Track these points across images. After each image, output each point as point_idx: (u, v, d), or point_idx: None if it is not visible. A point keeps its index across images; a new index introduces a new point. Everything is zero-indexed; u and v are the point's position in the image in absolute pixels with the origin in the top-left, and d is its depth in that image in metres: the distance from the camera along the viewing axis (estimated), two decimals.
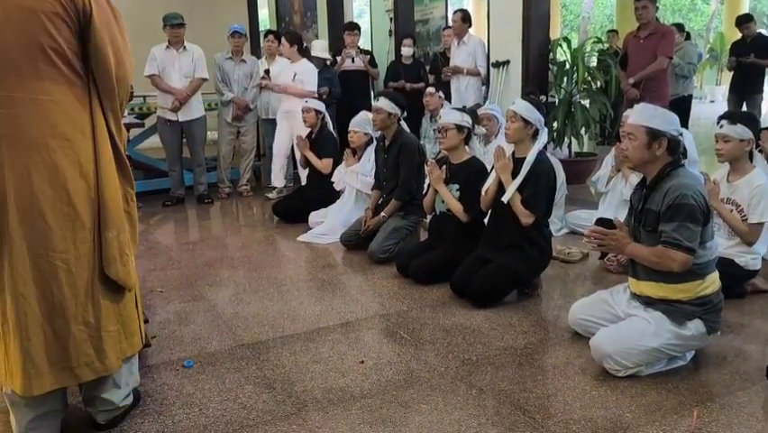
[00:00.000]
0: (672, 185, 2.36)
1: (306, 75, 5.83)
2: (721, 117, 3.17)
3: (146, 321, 2.72)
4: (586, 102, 6.26)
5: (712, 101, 16.93)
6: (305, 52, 5.98)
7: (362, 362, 2.60)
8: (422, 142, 5.78)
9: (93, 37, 1.88)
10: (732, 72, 7.33)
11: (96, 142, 1.94)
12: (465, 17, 6.24)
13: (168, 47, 5.71)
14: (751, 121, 3.16)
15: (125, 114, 3.55)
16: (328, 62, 6.82)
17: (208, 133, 6.36)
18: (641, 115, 2.43)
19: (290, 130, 5.91)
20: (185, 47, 5.74)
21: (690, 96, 7.02)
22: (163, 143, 5.93)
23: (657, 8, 5.55)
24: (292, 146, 5.93)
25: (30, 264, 1.85)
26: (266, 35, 6.81)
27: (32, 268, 1.85)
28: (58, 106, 1.86)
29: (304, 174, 5.52)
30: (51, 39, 1.81)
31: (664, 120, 2.41)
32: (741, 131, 3.07)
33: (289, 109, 5.89)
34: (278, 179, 6.18)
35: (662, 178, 2.42)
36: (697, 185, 2.39)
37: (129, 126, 4.07)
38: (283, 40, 5.95)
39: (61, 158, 1.87)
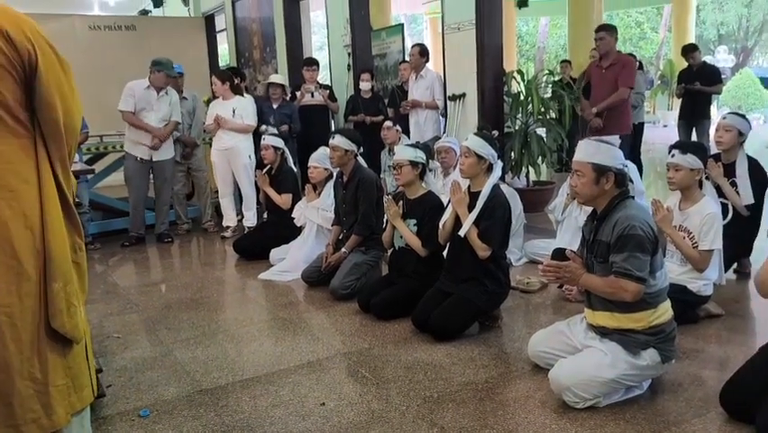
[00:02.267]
0: (621, 216, 2.42)
1: (245, 110, 5.85)
2: (672, 147, 3.28)
3: (100, 371, 2.64)
4: (542, 131, 6.41)
5: (665, 125, 17.47)
6: (237, 89, 5.99)
7: (323, 404, 2.57)
8: (382, 175, 5.83)
9: (38, 87, 1.85)
10: (680, 100, 7.60)
11: (42, 192, 1.90)
12: (422, 51, 6.36)
13: (148, 87, 5.63)
14: (700, 151, 3.27)
15: (76, 159, 3.49)
16: (288, 97, 6.85)
17: None
18: (586, 153, 2.50)
19: (229, 167, 5.89)
20: (166, 91, 5.70)
21: (642, 124, 7.25)
22: (129, 181, 5.80)
23: (616, 39, 5.68)
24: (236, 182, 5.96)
25: None
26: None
27: None
28: (1, 158, 1.83)
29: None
30: None
31: (609, 155, 2.49)
32: (691, 160, 3.17)
33: (231, 146, 5.83)
34: (229, 218, 6.12)
35: (611, 209, 2.48)
36: (644, 216, 2.46)
37: (79, 173, 3.98)
38: (214, 78, 5.97)
39: (4, 209, 1.82)
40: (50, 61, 1.88)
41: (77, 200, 2.38)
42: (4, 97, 1.81)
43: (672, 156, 3.24)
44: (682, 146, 3.27)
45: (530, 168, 6.28)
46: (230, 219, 6.10)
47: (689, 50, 7.57)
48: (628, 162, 2.64)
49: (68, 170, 1.99)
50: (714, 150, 4.06)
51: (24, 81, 1.85)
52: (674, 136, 7.80)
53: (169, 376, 2.94)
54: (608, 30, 5.61)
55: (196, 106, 6.25)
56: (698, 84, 7.19)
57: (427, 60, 6.42)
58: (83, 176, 5.23)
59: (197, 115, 6.24)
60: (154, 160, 5.71)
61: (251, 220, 5.97)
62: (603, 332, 2.51)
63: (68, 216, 2.00)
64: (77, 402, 2.03)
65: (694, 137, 7.40)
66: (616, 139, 4.02)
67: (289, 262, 4.62)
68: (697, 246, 3.16)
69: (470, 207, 3.18)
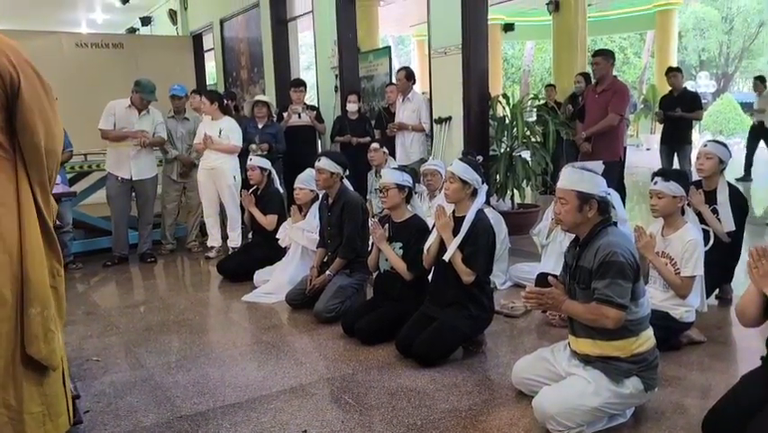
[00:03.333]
0: (603, 243, 2.44)
1: (231, 131, 5.85)
2: (655, 174, 3.31)
3: (77, 397, 2.59)
4: (527, 155, 6.46)
5: (648, 149, 17.69)
6: (226, 110, 5.99)
7: (305, 431, 2.54)
8: (368, 196, 5.84)
9: (20, 111, 1.84)
10: (662, 125, 7.71)
11: (22, 216, 1.89)
12: (409, 75, 6.42)
13: (130, 107, 5.61)
14: (683, 178, 3.31)
15: (58, 180, 3.46)
16: (275, 118, 6.86)
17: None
18: (570, 180, 2.52)
19: (214, 186, 5.88)
20: (148, 110, 5.68)
21: (625, 148, 7.32)
22: (111, 201, 5.75)
23: (613, 64, 5.71)
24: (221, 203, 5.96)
25: None
26: (192, 93, 6.89)
27: None
28: None
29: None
30: None
31: (592, 183, 2.51)
32: (674, 188, 3.21)
33: (216, 166, 5.82)
34: (214, 238, 6.08)
35: (594, 236, 2.50)
36: (626, 243, 2.48)
37: (61, 195, 3.94)
38: (203, 98, 5.97)
39: None
40: (33, 86, 1.87)
41: (57, 223, 2.35)
42: None
43: (655, 183, 3.27)
44: (665, 174, 3.31)
45: (515, 191, 6.32)
46: (214, 240, 6.06)
47: (670, 71, 7.69)
48: (611, 190, 2.66)
49: (48, 194, 1.98)
50: (695, 176, 4.11)
51: (6, 105, 1.84)
52: (657, 160, 7.90)
53: (148, 402, 2.89)
54: (604, 55, 5.66)
55: (197, 128, 6.21)
56: (678, 110, 7.31)
57: (414, 83, 6.47)
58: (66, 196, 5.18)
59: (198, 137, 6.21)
60: (135, 179, 5.68)
61: (235, 241, 5.93)
62: (586, 359, 2.51)
63: (48, 241, 1.98)
64: (52, 430, 2.00)
65: (676, 162, 7.51)
66: (599, 165, 4.05)
67: (274, 283, 4.59)
68: (679, 272, 3.19)
69: (455, 232, 3.18)
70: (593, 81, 5.78)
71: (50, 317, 1.94)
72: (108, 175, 5.74)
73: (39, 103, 1.89)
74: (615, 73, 5.90)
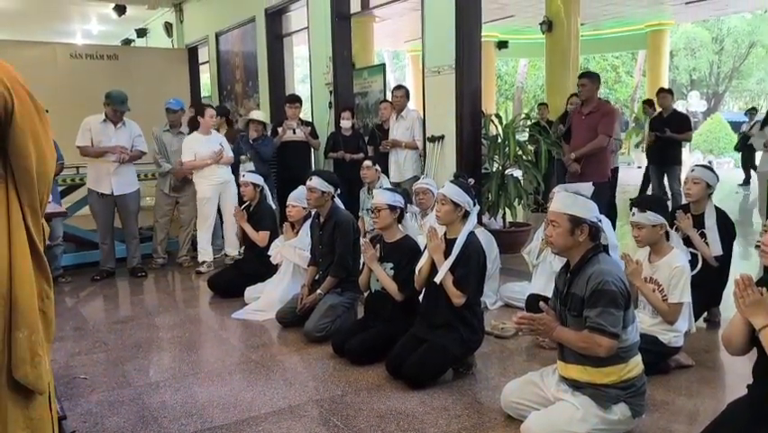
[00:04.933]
0: (595, 271, 2.46)
1: (226, 144, 6.03)
2: (632, 205, 3.32)
3: (64, 418, 2.57)
4: (518, 173, 6.50)
5: (639, 166, 17.82)
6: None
7: None
8: (360, 213, 5.85)
9: (13, 134, 1.83)
10: (651, 145, 7.78)
11: (12, 239, 1.87)
12: (407, 93, 6.47)
13: (105, 121, 5.61)
14: (659, 205, 3.33)
15: (50, 199, 3.42)
16: (269, 133, 6.89)
17: (147, 198, 6.28)
18: (562, 204, 2.54)
19: (217, 201, 5.98)
20: (124, 122, 5.68)
21: (617, 169, 7.38)
22: (94, 216, 5.77)
23: (598, 87, 5.80)
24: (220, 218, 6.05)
25: None
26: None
27: None
28: None
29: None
30: None
31: (584, 208, 2.53)
32: (652, 217, 3.22)
33: (227, 179, 5.97)
34: (206, 253, 6.08)
35: (585, 263, 2.52)
36: (617, 271, 2.50)
37: (52, 215, 3.90)
38: (211, 110, 6.03)
39: None
40: (26, 109, 1.87)
41: (48, 242, 2.35)
42: None
43: (633, 215, 3.29)
44: (640, 204, 3.30)
45: (507, 209, 6.35)
46: (207, 254, 6.05)
47: (661, 92, 7.78)
48: (602, 217, 2.69)
49: (38, 217, 1.97)
50: (684, 199, 4.14)
51: None
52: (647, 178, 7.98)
53: (135, 422, 2.87)
54: (590, 77, 5.73)
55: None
56: (667, 131, 7.38)
57: (408, 100, 6.51)
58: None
59: None
60: (116, 194, 5.67)
61: (235, 249, 6.05)
62: (575, 385, 2.52)
63: (37, 264, 1.96)
64: None
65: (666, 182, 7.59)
66: (589, 186, 4.09)
67: (264, 300, 4.58)
68: (666, 299, 3.21)
69: (446, 254, 3.19)
70: (579, 103, 5.84)
71: (37, 342, 1.92)
72: (89, 191, 5.75)
73: (32, 126, 1.88)
74: (605, 92, 5.99)
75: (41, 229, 2.00)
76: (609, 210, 6.75)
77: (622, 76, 25.94)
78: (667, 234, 3.32)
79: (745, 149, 10.89)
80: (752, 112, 10.93)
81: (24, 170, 1.87)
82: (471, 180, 3.62)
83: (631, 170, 16.97)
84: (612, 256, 2.72)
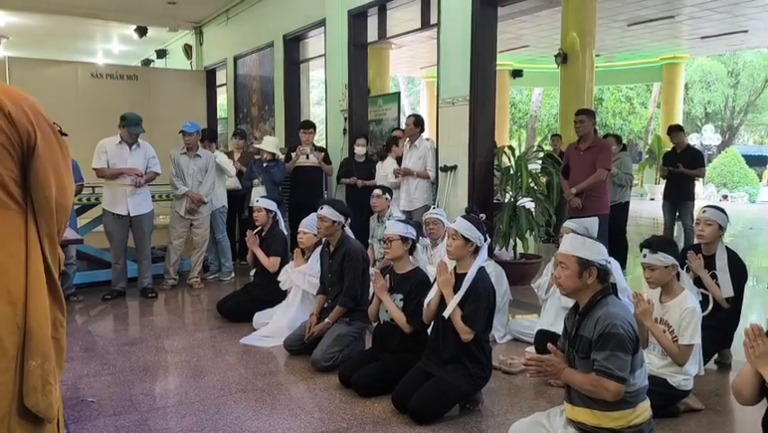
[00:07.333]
0: (603, 314, 2.45)
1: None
2: (642, 246, 3.30)
3: None
4: (530, 205, 6.51)
5: (652, 198, 17.79)
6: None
7: None
8: (370, 241, 5.87)
9: (35, 166, 1.88)
10: (665, 180, 7.76)
11: (29, 268, 1.91)
12: (418, 122, 6.50)
13: (120, 143, 5.70)
14: (670, 246, 3.31)
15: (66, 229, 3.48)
16: (282, 159, 6.95)
17: (160, 217, 6.34)
18: (571, 246, 2.55)
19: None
20: (138, 144, 5.76)
21: (627, 203, 7.37)
22: (109, 237, 5.83)
23: (595, 123, 5.96)
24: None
25: None
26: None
27: None
28: None
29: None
30: None
31: (593, 250, 2.54)
32: (663, 258, 3.21)
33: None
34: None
35: (594, 305, 2.51)
36: (626, 314, 2.49)
37: (68, 242, 3.95)
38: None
39: None
40: (48, 142, 1.92)
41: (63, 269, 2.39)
42: (1, 175, 1.84)
43: (644, 256, 3.27)
44: (651, 245, 3.28)
45: (518, 240, 6.35)
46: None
47: (672, 130, 7.78)
48: (611, 259, 2.69)
49: (55, 246, 2.01)
50: (696, 240, 4.12)
51: (21, 159, 1.89)
52: (660, 210, 7.94)
53: None
54: (587, 114, 5.90)
55: (209, 165, 6.27)
56: (680, 166, 7.36)
57: (422, 131, 6.54)
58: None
59: (210, 173, 6.27)
60: (132, 214, 5.74)
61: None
62: (582, 428, 2.50)
63: (52, 292, 2.00)
64: None
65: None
66: (594, 221, 4.11)
67: (273, 327, 4.59)
68: (676, 340, 3.18)
69: (456, 289, 3.20)
70: (577, 138, 5.95)
71: (50, 370, 1.94)
72: (104, 211, 5.82)
73: (53, 158, 1.93)
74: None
75: (57, 258, 2.04)
76: (620, 242, 6.76)
77: (636, 107, 25.96)
78: (678, 274, 3.31)
79: None
80: None
81: (45, 200, 1.91)
82: (483, 216, 3.62)
83: (644, 202, 16.93)
84: (621, 299, 2.71)
